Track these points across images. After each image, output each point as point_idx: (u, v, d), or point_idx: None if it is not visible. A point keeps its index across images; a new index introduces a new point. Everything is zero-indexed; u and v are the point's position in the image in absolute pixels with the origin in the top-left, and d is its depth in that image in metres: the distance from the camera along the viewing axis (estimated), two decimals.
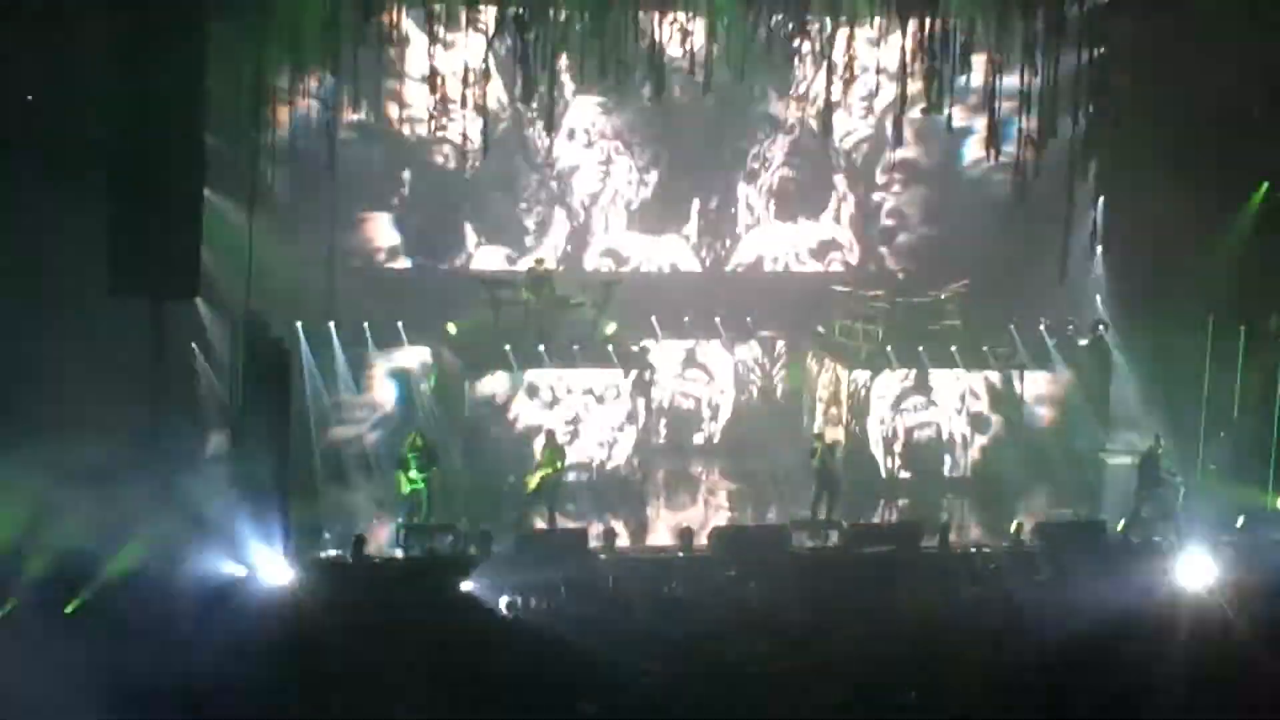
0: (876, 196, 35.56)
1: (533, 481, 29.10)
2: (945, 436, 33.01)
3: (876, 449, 32.72)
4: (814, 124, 34.46)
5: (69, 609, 23.73)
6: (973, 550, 28.70)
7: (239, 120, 28.92)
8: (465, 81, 31.32)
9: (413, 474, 28.20)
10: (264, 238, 29.01)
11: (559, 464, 29.15)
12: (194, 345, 30.34)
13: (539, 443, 29.94)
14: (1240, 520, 29.29)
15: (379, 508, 29.53)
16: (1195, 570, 27.40)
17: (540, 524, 28.86)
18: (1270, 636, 24.66)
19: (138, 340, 26.95)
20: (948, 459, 33.03)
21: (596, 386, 31.85)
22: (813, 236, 35.55)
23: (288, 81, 30.38)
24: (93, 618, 23.43)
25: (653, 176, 34.70)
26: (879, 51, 32.64)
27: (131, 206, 25.59)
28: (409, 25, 31.50)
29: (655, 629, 24.25)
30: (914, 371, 32.78)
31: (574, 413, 31.80)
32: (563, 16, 30.86)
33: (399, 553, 27.70)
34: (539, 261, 32.76)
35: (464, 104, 31.51)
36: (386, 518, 29.07)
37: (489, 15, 31.23)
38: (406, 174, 33.61)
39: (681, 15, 31.69)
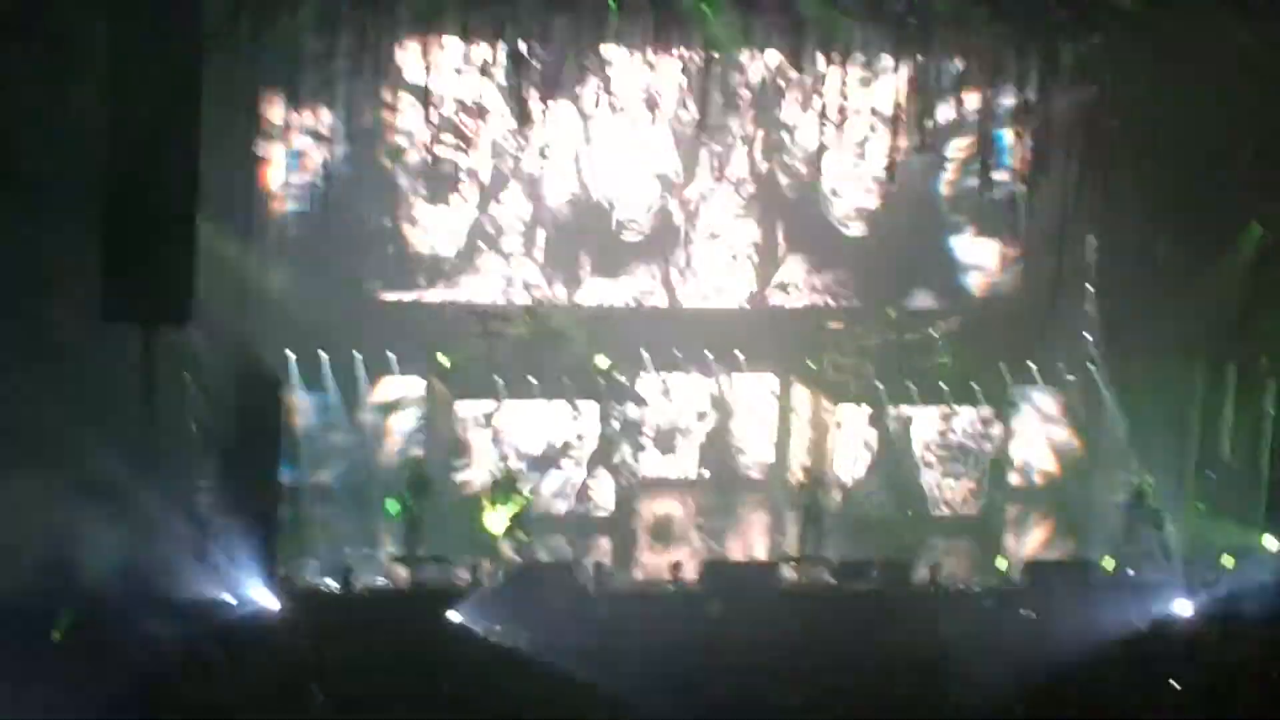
0: (870, 236, 35.51)
1: (496, 523, 28.71)
2: (934, 474, 33.03)
3: (865, 486, 32.72)
4: (803, 163, 34.51)
5: (55, 635, 23.71)
6: (962, 588, 28.76)
7: (235, 149, 28.99)
8: (461, 113, 31.50)
9: (407, 499, 28.17)
10: (258, 267, 29.08)
11: (520, 497, 28.78)
12: (186, 374, 30.33)
13: (494, 476, 29.59)
14: (1229, 559, 29.36)
15: (368, 538, 29.50)
16: (1183, 609, 27.46)
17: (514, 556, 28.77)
18: (1255, 674, 24.70)
19: (130, 368, 26.94)
20: (936, 496, 33.04)
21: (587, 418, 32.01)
22: (803, 273, 35.60)
23: (283, 111, 30.45)
24: (78, 644, 23.40)
25: (649, 209, 34.72)
26: (870, 91, 32.71)
27: (126, 234, 25.57)
28: (405, 58, 31.59)
29: (647, 665, 24.23)
30: (903, 408, 32.82)
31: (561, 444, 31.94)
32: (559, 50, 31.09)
33: (387, 583, 27.72)
34: (535, 303, 32.78)
35: (461, 137, 31.65)
36: (375, 548, 29.07)
37: (485, 49, 31.26)
38: (403, 204, 33.61)
39: (678, 50, 31.70)
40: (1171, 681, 23.96)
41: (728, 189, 34.86)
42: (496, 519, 28.26)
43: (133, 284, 25.53)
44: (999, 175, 32.58)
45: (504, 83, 31.48)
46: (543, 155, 31.97)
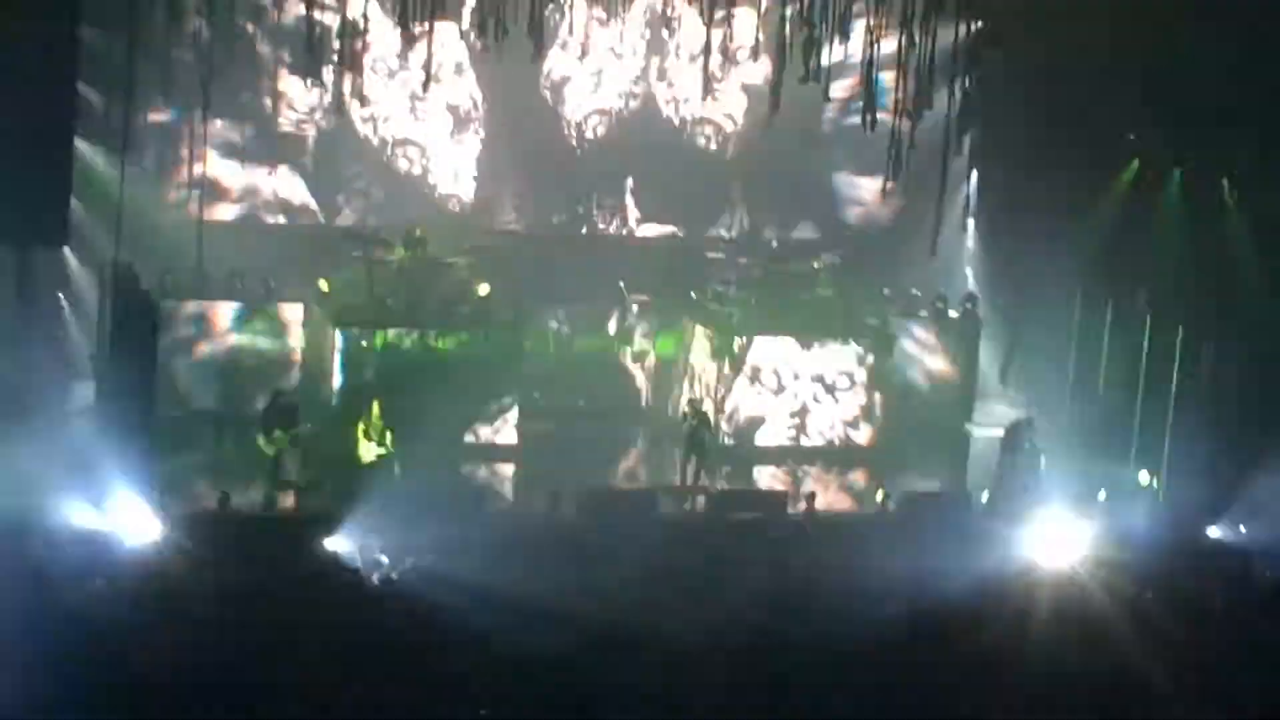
0: (755, 166, 35.55)
1: (366, 453, 28.58)
2: (813, 405, 33.13)
3: (744, 416, 32.81)
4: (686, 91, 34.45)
5: None
6: (837, 519, 28.93)
7: (112, 67, 28.56)
8: (342, 33, 31.19)
9: (276, 434, 27.99)
10: (135, 188, 28.68)
11: (390, 440, 28.41)
12: (61, 295, 30.03)
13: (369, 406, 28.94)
14: (1102, 493, 29.70)
15: (245, 462, 29.29)
16: (1056, 543, 27.74)
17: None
18: (1127, 610, 25.04)
19: (3, 289, 26.64)
20: (815, 428, 33.16)
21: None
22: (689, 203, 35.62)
23: (163, 28, 29.97)
24: None
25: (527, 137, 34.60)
26: (757, 20, 32.76)
27: (1, 155, 25.29)
28: None
29: (523, 591, 24.26)
30: (784, 340, 32.88)
31: None
32: None
33: (264, 508, 27.60)
34: (418, 230, 32.50)
35: (341, 60, 31.31)
36: (253, 472, 28.89)
37: None
38: (284, 126, 33.27)
39: None
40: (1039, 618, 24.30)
41: (614, 113, 34.84)
42: (370, 450, 28.11)
43: (7, 205, 25.24)
44: (881, 109, 32.49)
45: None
46: (428, 75, 31.58)
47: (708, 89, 32.84)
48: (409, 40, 30.91)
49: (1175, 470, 30.06)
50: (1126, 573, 26.37)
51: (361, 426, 28.43)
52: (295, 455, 28.09)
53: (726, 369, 32.65)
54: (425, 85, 31.84)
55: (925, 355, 34.04)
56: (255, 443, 28.31)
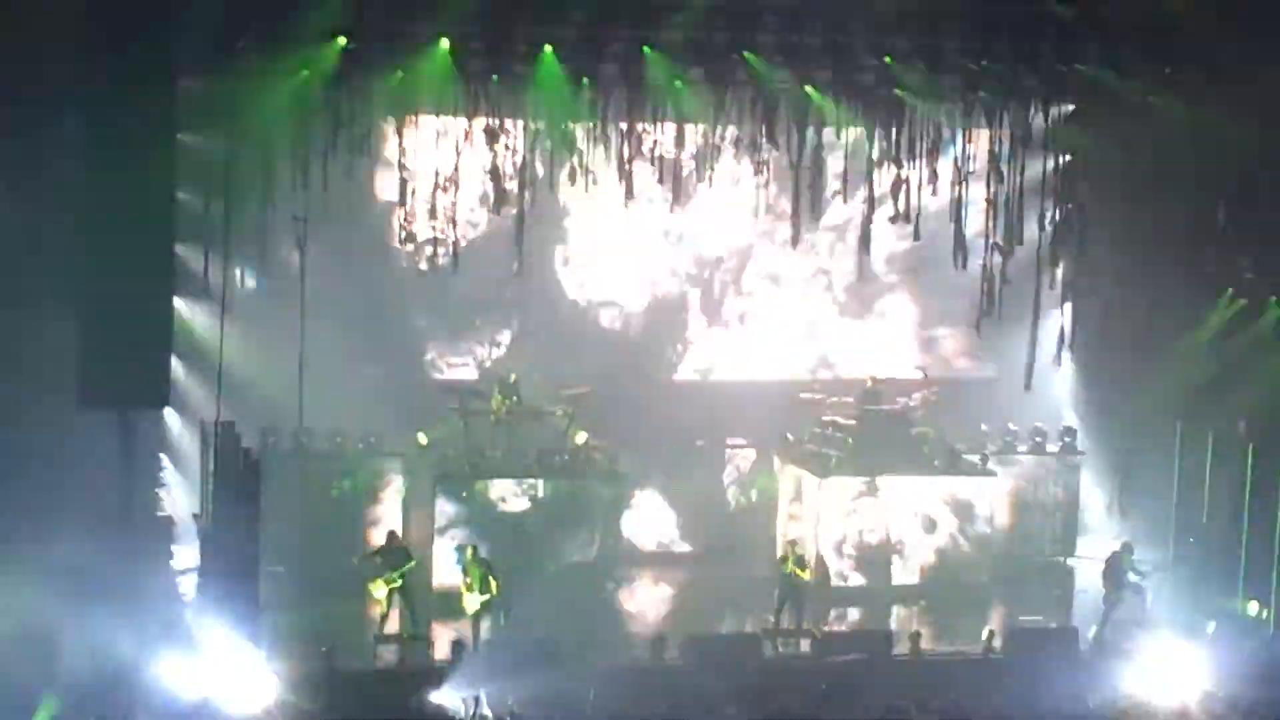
0: (847, 303, 35.68)
1: (471, 605, 28.59)
2: (916, 543, 32.95)
3: (846, 557, 32.65)
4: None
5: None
6: (943, 657, 28.70)
7: (210, 228, 28.94)
8: (435, 191, 31.49)
9: (388, 574, 28.05)
10: (234, 346, 28.99)
11: (494, 586, 28.52)
12: (163, 455, 30.28)
13: (470, 559, 28.83)
14: (1211, 625, 29.37)
15: (349, 619, 29.35)
16: (1166, 675, 27.41)
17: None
18: None
19: (107, 451, 26.86)
20: (919, 566, 32.95)
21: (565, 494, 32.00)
22: (786, 343, 35.74)
23: (260, 191, 30.31)
24: None
25: (626, 283, 34.83)
26: (848, 162, 32.92)
27: (101, 317, 25.61)
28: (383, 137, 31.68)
29: None
30: (883, 479, 32.77)
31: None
32: (532, 127, 31.13)
33: (371, 664, 27.59)
34: (512, 377, 32.70)
35: (433, 215, 31.64)
36: (357, 629, 28.94)
37: (459, 125, 31.24)
38: (378, 282, 33.52)
39: (651, 125, 31.66)
40: None
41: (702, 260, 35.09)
42: (473, 600, 28.12)
43: (109, 368, 25.54)
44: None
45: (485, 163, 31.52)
46: (518, 231, 31.86)
47: (797, 240, 33.06)
48: None
49: None
50: (1241, 707, 26.03)
51: (463, 577, 28.48)
52: (403, 603, 28.16)
53: (824, 510, 32.54)
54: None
55: (1026, 490, 33.83)
56: (367, 587, 28.34)
